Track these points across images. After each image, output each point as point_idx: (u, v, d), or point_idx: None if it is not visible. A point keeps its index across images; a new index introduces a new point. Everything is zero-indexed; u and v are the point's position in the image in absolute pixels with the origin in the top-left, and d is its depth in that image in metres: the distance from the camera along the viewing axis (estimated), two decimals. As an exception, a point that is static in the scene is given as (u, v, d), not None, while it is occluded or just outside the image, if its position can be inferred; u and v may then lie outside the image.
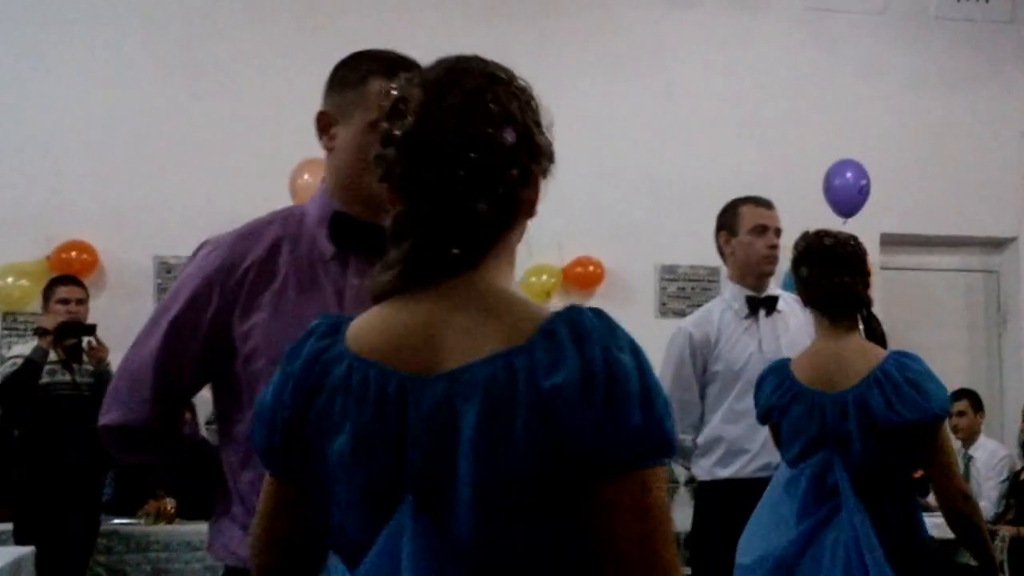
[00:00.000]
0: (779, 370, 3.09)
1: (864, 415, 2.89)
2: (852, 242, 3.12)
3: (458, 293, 1.34)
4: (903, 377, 2.91)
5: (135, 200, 6.48)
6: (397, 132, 1.34)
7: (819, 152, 6.63)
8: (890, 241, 6.85)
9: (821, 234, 3.16)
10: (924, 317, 6.92)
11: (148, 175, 6.51)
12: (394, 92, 1.39)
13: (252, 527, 1.47)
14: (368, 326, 1.36)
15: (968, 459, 6.19)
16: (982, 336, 7.03)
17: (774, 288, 4.00)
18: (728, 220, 3.97)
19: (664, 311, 6.54)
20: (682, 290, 6.69)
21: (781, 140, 7.00)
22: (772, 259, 3.91)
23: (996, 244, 7.40)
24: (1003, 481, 6.23)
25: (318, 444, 1.34)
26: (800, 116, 7.08)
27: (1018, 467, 6.26)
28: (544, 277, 6.53)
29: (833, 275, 3.07)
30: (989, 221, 7.27)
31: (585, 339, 1.27)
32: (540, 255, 6.54)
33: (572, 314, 1.30)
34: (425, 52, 6.19)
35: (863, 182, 6.55)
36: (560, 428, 1.24)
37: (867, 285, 3.10)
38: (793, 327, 3.82)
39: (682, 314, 6.57)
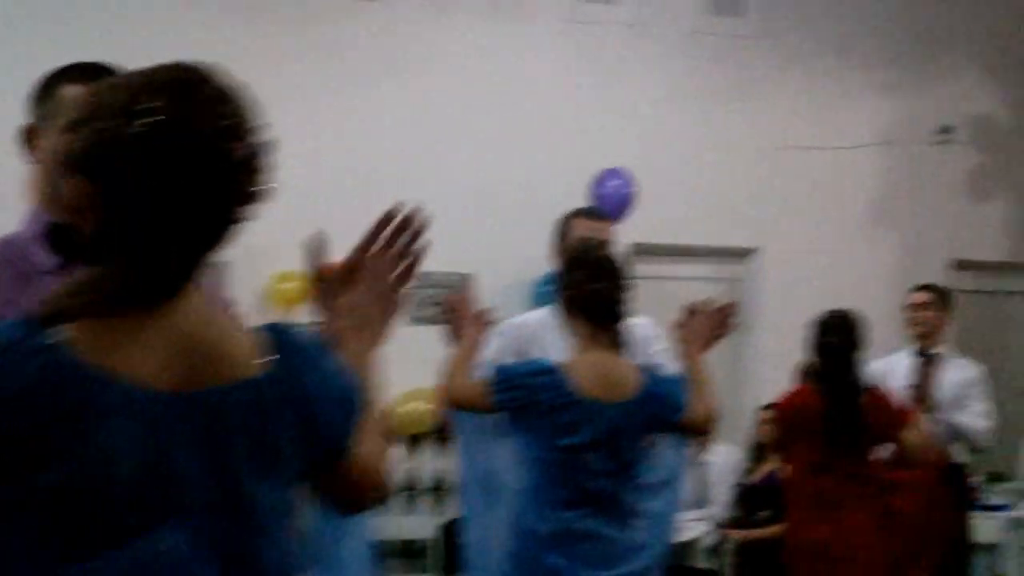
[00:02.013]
0: (555, 371, 3.21)
1: (649, 422, 3.25)
2: (615, 254, 3.40)
3: (186, 310, 1.34)
4: (665, 380, 3.35)
5: None
6: (126, 132, 1.27)
7: (582, 162, 6.78)
8: (640, 250, 7.04)
9: (587, 242, 3.30)
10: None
11: None
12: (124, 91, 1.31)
13: None
14: (108, 339, 1.28)
15: (702, 465, 6.40)
16: (724, 343, 7.25)
17: None
18: (562, 231, 4.01)
19: (415, 318, 6.55)
20: (433, 297, 6.70)
21: (543, 150, 7.12)
22: None
23: (739, 254, 7.70)
24: (735, 486, 6.48)
25: (40, 462, 1.22)
26: (562, 126, 7.20)
27: (747, 472, 6.51)
28: (290, 284, 6.43)
29: (602, 283, 3.27)
30: (733, 232, 7.55)
31: (321, 352, 1.47)
32: (289, 261, 6.46)
33: (290, 331, 1.45)
34: (191, 54, 6.01)
35: (627, 191, 6.72)
36: (319, 434, 1.42)
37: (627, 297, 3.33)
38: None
39: (433, 322, 6.59)
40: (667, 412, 3.29)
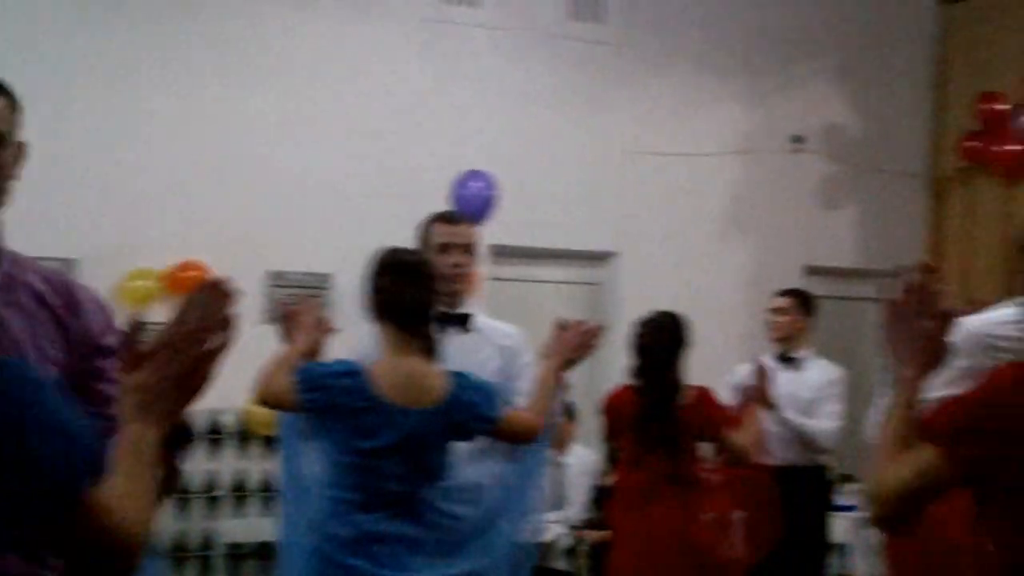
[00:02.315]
0: (357, 374, 3.20)
1: (454, 429, 3.26)
2: (424, 259, 3.45)
3: None
4: (475, 389, 3.31)
5: None
6: None
7: (443, 163, 6.75)
8: (499, 252, 7.05)
9: (399, 249, 3.32)
10: (531, 328, 7.08)
11: None
12: None
13: None
14: None
15: (559, 467, 6.42)
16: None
17: (476, 309, 4.02)
18: (423, 235, 3.97)
19: (271, 318, 6.43)
20: (291, 297, 6.61)
21: (404, 151, 7.08)
22: (456, 277, 3.89)
23: (598, 258, 7.77)
24: (591, 488, 6.52)
25: None
26: (424, 127, 7.18)
27: (604, 474, 6.55)
28: (143, 282, 6.29)
29: (413, 289, 3.27)
30: (592, 236, 7.63)
31: (49, 390, 1.39)
32: (142, 259, 6.31)
33: (15, 366, 1.41)
34: (48, 48, 5.85)
35: (489, 193, 6.71)
36: (35, 473, 1.35)
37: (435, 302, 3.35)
38: (487, 350, 3.83)
39: (285, 322, 6.49)
40: (473, 421, 3.30)
